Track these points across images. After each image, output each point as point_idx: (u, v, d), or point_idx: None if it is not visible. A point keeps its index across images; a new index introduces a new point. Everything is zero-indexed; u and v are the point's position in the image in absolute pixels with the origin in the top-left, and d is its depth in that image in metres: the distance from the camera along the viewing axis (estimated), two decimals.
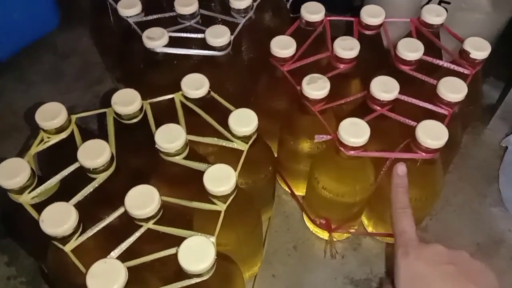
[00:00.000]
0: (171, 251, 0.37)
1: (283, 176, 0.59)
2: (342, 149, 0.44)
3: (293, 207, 0.61)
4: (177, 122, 0.47)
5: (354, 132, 0.43)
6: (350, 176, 0.48)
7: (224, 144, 0.46)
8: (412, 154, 0.44)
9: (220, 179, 0.40)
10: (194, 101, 0.49)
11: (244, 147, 0.45)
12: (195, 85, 0.48)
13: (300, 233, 0.59)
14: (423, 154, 0.44)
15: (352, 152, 0.44)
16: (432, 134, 0.43)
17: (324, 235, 0.56)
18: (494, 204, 0.62)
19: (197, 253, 0.36)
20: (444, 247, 0.41)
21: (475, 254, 0.55)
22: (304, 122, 0.51)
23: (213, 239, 0.39)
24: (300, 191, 0.58)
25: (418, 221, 0.54)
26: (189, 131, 0.46)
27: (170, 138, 0.43)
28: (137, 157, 0.50)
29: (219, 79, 0.57)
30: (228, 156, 0.45)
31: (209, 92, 0.49)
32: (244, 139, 0.46)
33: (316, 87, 0.48)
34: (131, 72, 0.62)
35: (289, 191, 0.60)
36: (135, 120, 0.48)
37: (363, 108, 0.50)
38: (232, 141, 0.46)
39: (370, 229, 0.57)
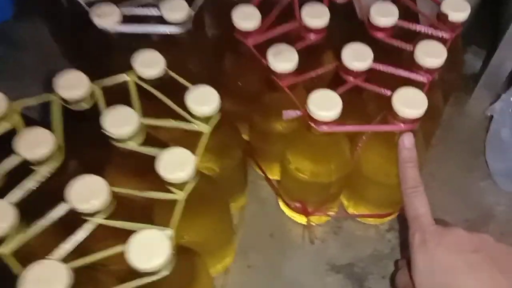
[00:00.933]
0: (119, 248, 0.33)
1: (256, 160, 0.55)
2: (313, 124, 0.40)
3: (269, 193, 0.57)
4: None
5: (325, 105, 0.39)
6: (324, 154, 0.44)
7: (183, 126, 0.42)
8: (390, 126, 0.41)
9: (176, 164, 0.36)
10: (150, 81, 0.44)
11: (206, 129, 0.41)
12: (149, 63, 0.44)
13: (277, 220, 0.55)
14: (402, 125, 0.40)
15: (324, 128, 0.40)
16: (410, 103, 0.39)
17: (302, 220, 0.52)
18: (482, 177, 0.58)
19: (149, 248, 0.32)
20: (465, 231, 0.37)
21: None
22: (273, 100, 0.47)
23: (170, 231, 0.35)
24: (275, 174, 0.54)
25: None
26: (147, 115, 0.42)
27: (120, 122, 0.39)
28: (90, 147, 0.45)
29: (181, 59, 0.53)
30: (195, 142, 0.41)
31: (166, 71, 0.45)
32: (206, 120, 0.41)
33: (283, 59, 0.43)
34: (88, 59, 0.57)
35: (263, 175, 0.56)
36: (85, 107, 0.43)
37: (337, 80, 0.46)
38: (193, 123, 0.42)
39: (350, 210, 0.54)
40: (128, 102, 0.44)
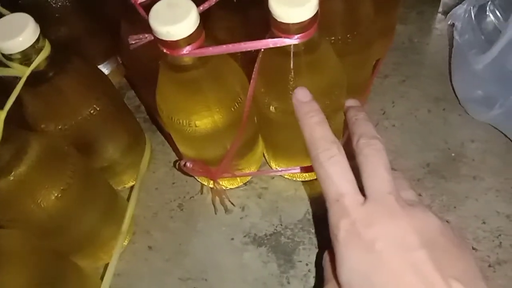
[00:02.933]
0: None
1: (151, 113, 0.44)
2: (165, 50, 0.28)
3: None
4: None
5: (172, 18, 0.27)
6: (198, 94, 0.32)
7: None
8: (271, 40, 0.28)
9: None
10: None
11: (22, 71, 0.30)
12: None
13: (188, 187, 0.44)
14: (289, 36, 0.28)
15: (182, 51, 0.28)
16: (290, 1, 0.26)
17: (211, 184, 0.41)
18: (450, 108, 0.45)
19: None
20: (406, 210, 0.25)
21: (424, 179, 0.42)
22: (133, 27, 0.35)
23: None
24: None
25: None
26: None
27: None
28: None
29: None
30: None
31: None
32: (24, 60, 0.30)
33: None
34: None
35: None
36: None
37: None
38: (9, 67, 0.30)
39: (273, 166, 0.42)
40: None
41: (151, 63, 0.36)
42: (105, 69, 0.49)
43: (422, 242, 0.24)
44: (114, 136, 0.39)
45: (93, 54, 0.47)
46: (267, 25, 0.29)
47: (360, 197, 0.25)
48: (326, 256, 0.30)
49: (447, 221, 0.35)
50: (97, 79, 0.36)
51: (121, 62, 0.49)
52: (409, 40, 0.51)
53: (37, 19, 0.32)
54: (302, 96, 0.29)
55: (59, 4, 0.42)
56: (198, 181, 0.44)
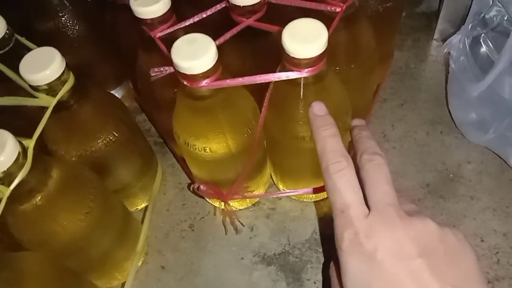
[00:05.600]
0: None
1: (163, 137, 0.45)
2: (185, 82, 0.30)
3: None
4: None
5: (193, 53, 0.29)
6: (213, 121, 0.34)
7: (22, 103, 0.32)
8: (283, 73, 0.30)
9: None
10: None
11: (49, 102, 0.32)
12: None
13: (198, 208, 0.46)
14: (300, 70, 0.30)
15: (201, 84, 0.30)
16: (303, 38, 0.29)
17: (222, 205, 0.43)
18: (446, 131, 0.48)
19: None
20: (405, 222, 0.26)
21: (424, 199, 0.44)
22: (153, 59, 0.37)
23: None
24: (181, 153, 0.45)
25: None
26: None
27: None
28: None
29: (52, 22, 0.43)
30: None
31: (10, 35, 0.35)
32: (51, 90, 0.32)
33: (147, 2, 0.33)
34: None
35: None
36: None
37: (232, 26, 0.36)
38: (37, 97, 0.32)
39: (281, 187, 0.44)
40: None
41: (165, 91, 0.39)
42: (117, 94, 0.51)
43: (420, 251, 0.25)
44: (129, 160, 0.40)
45: (106, 79, 0.49)
46: (275, 56, 0.31)
47: (365, 209, 0.27)
48: (332, 266, 0.32)
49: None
50: (116, 107, 0.38)
51: (132, 87, 0.51)
52: (406, 65, 0.54)
53: (52, 46, 0.34)
54: (318, 110, 0.31)
55: (74, 32, 0.44)
56: (208, 202, 0.45)
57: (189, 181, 0.47)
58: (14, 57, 0.36)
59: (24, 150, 0.29)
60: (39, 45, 0.35)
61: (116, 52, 0.46)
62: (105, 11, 0.44)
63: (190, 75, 0.30)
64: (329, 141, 0.29)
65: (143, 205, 0.45)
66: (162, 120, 0.44)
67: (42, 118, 0.32)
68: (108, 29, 0.44)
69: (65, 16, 0.43)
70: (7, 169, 0.27)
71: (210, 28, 0.36)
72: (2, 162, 0.27)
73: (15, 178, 0.28)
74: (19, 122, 0.33)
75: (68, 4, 0.43)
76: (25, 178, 0.29)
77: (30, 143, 0.29)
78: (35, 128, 0.31)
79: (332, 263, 0.32)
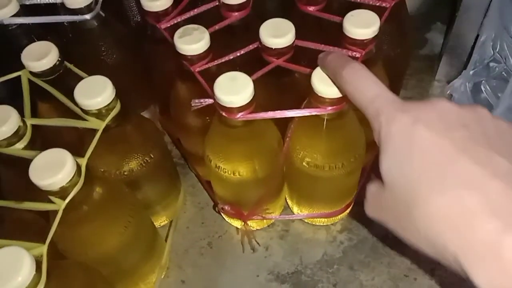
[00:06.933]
0: None
1: (188, 161, 0.49)
2: (223, 113, 0.34)
3: (210, 197, 0.51)
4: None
5: (233, 89, 0.33)
6: (244, 148, 0.38)
7: (75, 124, 0.36)
8: (311, 109, 0.34)
9: (51, 168, 0.30)
10: (44, 75, 0.39)
11: (99, 125, 0.35)
12: (39, 55, 0.38)
13: (216, 227, 0.49)
14: (325, 107, 0.34)
15: (237, 116, 0.34)
16: (329, 80, 0.33)
17: (240, 225, 0.46)
18: None
19: (4, 269, 0.26)
20: (450, 102, 0.24)
21: None
22: (190, 90, 0.41)
23: (39, 249, 0.29)
24: (208, 175, 0.48)
25: (342, 200, 0.44)
26: (45, 115, 0.37)
27: None
28: None
29: (93, 50, 0.47)
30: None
31: (60, 62, 0.39)
32: (100, 115, 0.36)
33: (190, 40, 0.37)
34: None
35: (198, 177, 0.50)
36: None
37: (261, 64, 0.40)
38: (86, 120, 0.36)
39: (295, 211, 0.47)
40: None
41: (199, 118, 0.42)
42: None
43: (463, 122, 0.23)
44: (159, 180, 0.44)
45: (136, 103, 0.53)
46: (298, 90, 0.35)
47: (394, 95, 0.26)
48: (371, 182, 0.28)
49: None
50: (152, 131, 0.41)
51: (158, 111, 0.55)
52: None
53: (88, 71, 0.38)
54: (323, 53, 0.31)
55: (112, 59, 0.48)
56: (226, 221, 0.48)
57: (207, 201, 0.51)
58: (63, 82, 0.40)
59: (78, 167, 0.32)
60: (80, 69, 0.40)
61: (147, 79, 0.50)
62: (141, 41, 0.48)
63: (229, 107, 0.34)
64: (338, 59, 0.29)
65: (164, 222, 0.48)
66: (189, 144, 0.47)
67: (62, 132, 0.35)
68: (142, 58, 0.48)
69: (105, 45, 0.47)
70: (65, 184, 0.31)
71: (238, 63, 0.41)
72: (62, 179, 0.30)
73: (69, 192, 0.31)
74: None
75: (108, 34, 0.47)
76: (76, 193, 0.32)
77: (83, 162, 0.33)
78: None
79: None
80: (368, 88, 0.26)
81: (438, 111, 0.24)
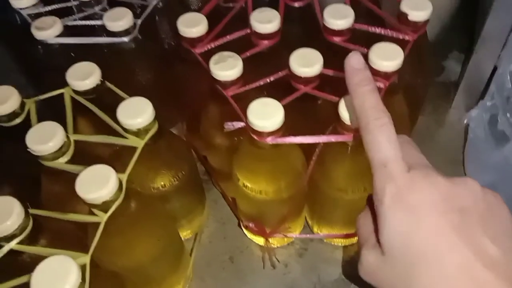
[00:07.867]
0: (25, 278, 0.30)
1: (213, 177, 0.51)
2: (254, 136, 0.37)
3: (231, 213, 0.53)
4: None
5: (265, 114, 0.36)
6: (272, 169, 0.40)
7: (115, 141, 0.38)
8: (338, 136, 0.37)
9: (94, 182, 0.33)
10: (86, 94, 0.42)
11: (138, 143, 0.38)
12: (82, 75, 0.41)
13: (238, 242, 0.51)
14: (350, 134, 0.36)
15: (267, 139, 0.36)
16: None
17: (262, 242, 0.48)
18: None
19: (53, 277, 0.29)
20: (447, 180, 0.26)
21: None
22: (220, 112, 0.44)
23: (83, 258, 0.31)
24: (234, 193, 0.50)
25: None
26: (82, 130, 0.39)
27: (43, 139, 0.36)
28: (20, 167, 0.42)
29: (129, 70, 0.50)
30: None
31: (102, 82, 0.42)
32: (139, 133, 0.38)
33: (224, 66, 0.40)
34: (33, 73, 0.55)
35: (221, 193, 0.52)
36: (16, 122, 0.40)
37: (289, 90, 0.42)
38: (126, 138, 0.38)
39: (315, 230, 0.49)
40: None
41: (228, 139, 0.45)
42: None
43: (463, 206, 0.25)
44: (187, 195, 0.46)
45: (165, 121, 0.55)
46: (321, 115, 0.37)
47: (405, 165, 0.26)
48: (359, 219, 0.31)
49: None
50: (184, 148, 0.44)
51: (185, 128, 0.57)
52: (426, 129, 0.60)
53: (123, 90, 0.40)
54: (355, 62, 0.29)
55: (145, 78, 0.51)
56: (247, 237, 0.50)
57: (229, 216, 0.53)
58: (102, 100, 0.42)
59: (120, 183, 0.34)
60: (115, 86, 0.42)
61: (177, 98, 0.53)
62: (173, 63, 0.51)
63: (260, 131, 0.36)
64: (368, 97, 0.28)
65: (189, 235, 0.50)
66: (216, 161, 0.50)
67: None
68: (173, 78, 0.51)
69: (140, 66, 0.50)
70: (108, 198, 0.33)
71: (264, 87, 0.43)
72: (106, 194, 0.32)
73: (111, 206, 0.34)
74: None
75: (143, 56, 0.50)
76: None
77: (123, 177, 0.35)
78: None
79: (358, 217, 0.31)
80: (386, 149, 0.27)
81: (438, 192, 0.25)
